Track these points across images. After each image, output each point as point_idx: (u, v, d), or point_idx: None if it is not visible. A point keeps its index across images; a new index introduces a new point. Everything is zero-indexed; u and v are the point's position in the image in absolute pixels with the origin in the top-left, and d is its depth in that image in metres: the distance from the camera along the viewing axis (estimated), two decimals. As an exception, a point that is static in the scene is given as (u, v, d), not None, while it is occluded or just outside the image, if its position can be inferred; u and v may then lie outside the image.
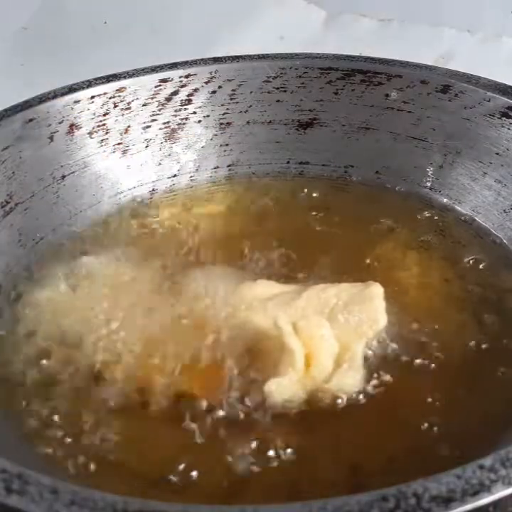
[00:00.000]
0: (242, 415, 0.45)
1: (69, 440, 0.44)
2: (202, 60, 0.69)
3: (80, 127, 0.65)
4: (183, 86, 0.68)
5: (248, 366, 0.47)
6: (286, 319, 0.48)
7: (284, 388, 0.45)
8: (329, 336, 0.48)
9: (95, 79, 0.66)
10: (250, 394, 0.45)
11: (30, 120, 0.62)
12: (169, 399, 0.46)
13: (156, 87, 0.68)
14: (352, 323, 0.49)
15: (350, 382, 0.46)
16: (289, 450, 0.43)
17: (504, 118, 0.61)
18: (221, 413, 0.45)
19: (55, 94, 0.64)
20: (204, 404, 0.45)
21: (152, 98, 0.68)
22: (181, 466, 0.42)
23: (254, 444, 0.43)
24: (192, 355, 0.48)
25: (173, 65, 0.69)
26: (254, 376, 0.46)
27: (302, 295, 0.51)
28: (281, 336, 0.47)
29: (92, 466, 0.43)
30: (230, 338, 0.49)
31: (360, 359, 0.47)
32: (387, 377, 0.47)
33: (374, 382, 0.47)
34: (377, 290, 0.51)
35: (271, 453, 0.43)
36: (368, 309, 0.50)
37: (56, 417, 0.46)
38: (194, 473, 0.42)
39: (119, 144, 0.67)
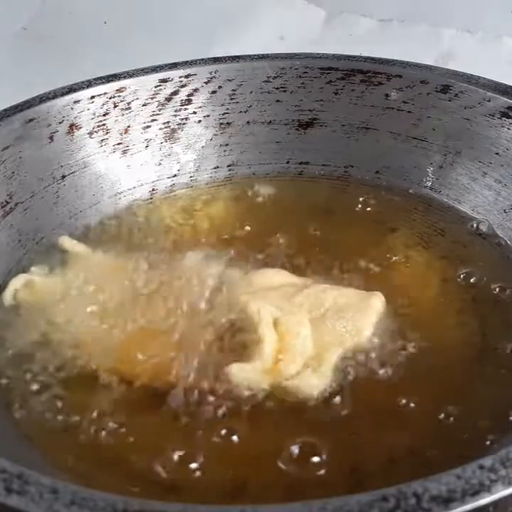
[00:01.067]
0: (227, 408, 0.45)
1: (69, 440, 0.44)
2: (202, 60, 0.69)
3: (80, 127, 0.65)
4: (183, 86, 0.68)
5: (226, 351, 0.48)
6: (270, 310, 0.49)
7: (246, 374, 0.46)
8: (306, 336, 0.48)
9: (95, 79, 0.66)
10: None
11: (30, 120, 0.62)
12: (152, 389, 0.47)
13: (156, 87, 0.68)
14: (337, 329, 0.49)
15: (311, 384, 0.45)
16: (288, 449, 0.43)
17: (504, 118, 0.61)
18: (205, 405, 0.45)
19: (55, 94, 0.64)
20: (185, 394, 0.46)
21: (152, 98, 0.68)
22: (179, 466, 0.42)
23: (247, 443, 0.43)
24: (174, 341, 0.49)
25: (173, 65, 0.69)
26: (227, 360, 0.47)
27: (303, 291, 0.51)
28: (259, 325, 0.47)
29: (93, 466, 0.43)
30: (222, 320, 0.50)
31: (330, 365, 0.47)
32: (386, 376, 0.47)
33: (371, 380, 0.47)
34: (375, 302, 0.51)
35: (269, 450, 0.43)
36: (358, 319, 0.49)
37: (55, 416, 0.46)
38: (193, 473, 0.42)
39: (119, 144, 0.67)
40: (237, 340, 0.49)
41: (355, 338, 0.48)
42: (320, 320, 0.49)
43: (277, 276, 0.54)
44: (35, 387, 0.48)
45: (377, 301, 0.51)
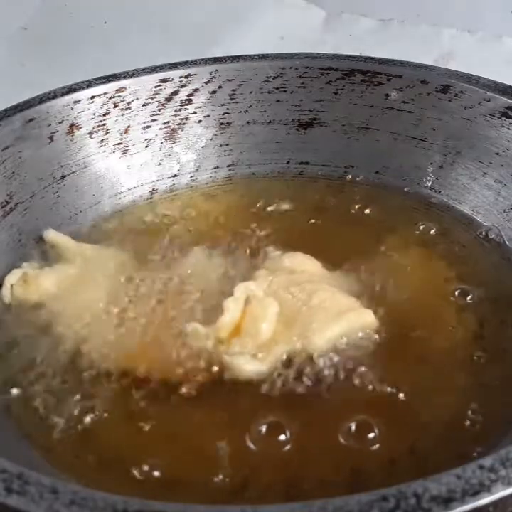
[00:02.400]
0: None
1: (69, 439, 0.44)
2: (202, 60, 0.69)
3: (80, 127, 0.65)
4: (183, 86, 0.68)
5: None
6: (248, 288, 0.49)
7: (198, 335, 0.47)
8: (266, 323, 0.47)
9: (95, 79, 0.66)
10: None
11: (30, 120, 0.62)
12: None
13: (156, 87, 0.68)
14: (298, 326, 0.48)
15: (244, 368, 0.46)
16: (289, 448, 0.43)
17: (504, 118, 0.61)
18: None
19: (55, 94, 0.64)
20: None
21: (152, 98, 0.68)
22: (180, 464, 0.42)
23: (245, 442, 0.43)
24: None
25: (173, 65, 0.69)
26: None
27: (301, 284, 0.51)
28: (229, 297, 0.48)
29: (93, 466, 0.43)
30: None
31: (272, 358, 0.46)
32: (385, 375, 0.47)
33: (370, 377, 0.47)
34: (351, 317, 0.49)
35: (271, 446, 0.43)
36: (322, 326, 0.48)
37: (57, 416, 0.46)
38: (191, 472, 0.42)
39: (119, 144, 0.67)
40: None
41: (304, 342, 0.47)
42: (294, 314, 0.49)
43: (305, 262, 0.55)
44: (34, 386, 0.48)
45: (359, 318, 0.49)
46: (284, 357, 0.47)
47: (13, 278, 0.56)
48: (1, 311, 0.54)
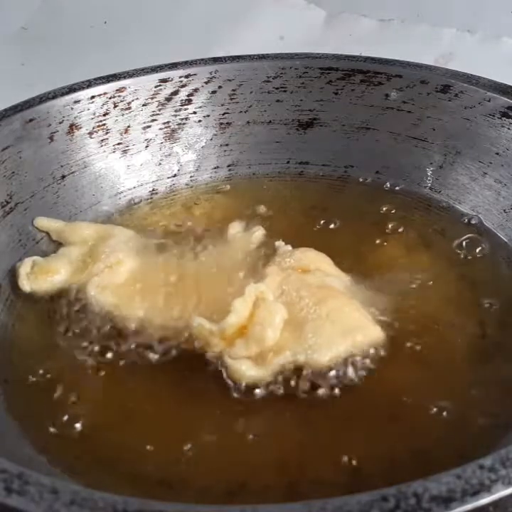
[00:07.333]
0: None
1: (68, 439, 0.44)
2: (202, 60, 0.69)
3: (80, 127, 0.65)
4: (183, 86, 0.68)
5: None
6: (259, 289, 0.48)
7: (204, 331, 0.47)
8: (273, 327, 0.47)
9: (95, 79, 0.66)
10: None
11: (30, 120, 0.62)
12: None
13: (156, 87, 0.68)
14: (304, 337, 0.47)
15: (244, 373, 0.46)
16: (289, 447, 0.43)
17: (504, 118, 0.61)
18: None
19: (55, 94, 0.64)
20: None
21: (152, 98, 0.68)
22: (179, 464, 0.42)
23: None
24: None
25: (173, 65, 0.69)
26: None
27: (312, 288, 0.51)
28: (237, 298, 0.48)
29: (92, 466, 0.43)
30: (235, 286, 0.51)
31: (271, 366, 0.46)
32: (387, 376, 0.47)
33: (372, 377, 0.47)
34: (363, 338, 0.48)
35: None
36: (327, 344, 0.47)
37: (57, 416, 0.46)
38: (191, 472, 0.42)
39: (119, 144, 0.67)
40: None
41: (308, 356, 0.46)
42: (301, 322, 0.48)
43: (317, 259, 0.54)
44: (34, 387, 0.48)
45: (361, 337, 0.48)
46: (286, 366, 0.47)
47: (26, 267, 0.56)
48: (22, 301, 0.55)
